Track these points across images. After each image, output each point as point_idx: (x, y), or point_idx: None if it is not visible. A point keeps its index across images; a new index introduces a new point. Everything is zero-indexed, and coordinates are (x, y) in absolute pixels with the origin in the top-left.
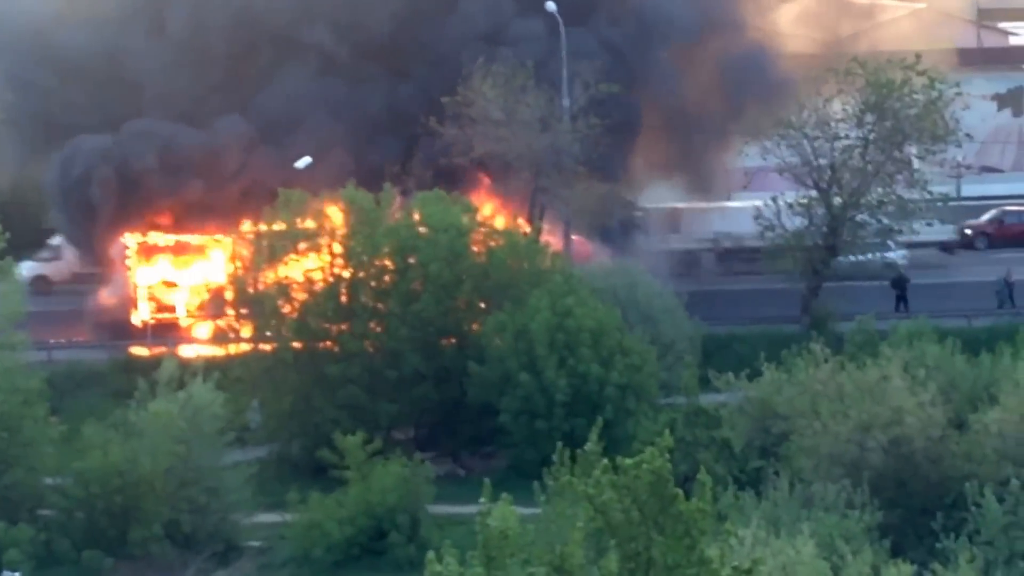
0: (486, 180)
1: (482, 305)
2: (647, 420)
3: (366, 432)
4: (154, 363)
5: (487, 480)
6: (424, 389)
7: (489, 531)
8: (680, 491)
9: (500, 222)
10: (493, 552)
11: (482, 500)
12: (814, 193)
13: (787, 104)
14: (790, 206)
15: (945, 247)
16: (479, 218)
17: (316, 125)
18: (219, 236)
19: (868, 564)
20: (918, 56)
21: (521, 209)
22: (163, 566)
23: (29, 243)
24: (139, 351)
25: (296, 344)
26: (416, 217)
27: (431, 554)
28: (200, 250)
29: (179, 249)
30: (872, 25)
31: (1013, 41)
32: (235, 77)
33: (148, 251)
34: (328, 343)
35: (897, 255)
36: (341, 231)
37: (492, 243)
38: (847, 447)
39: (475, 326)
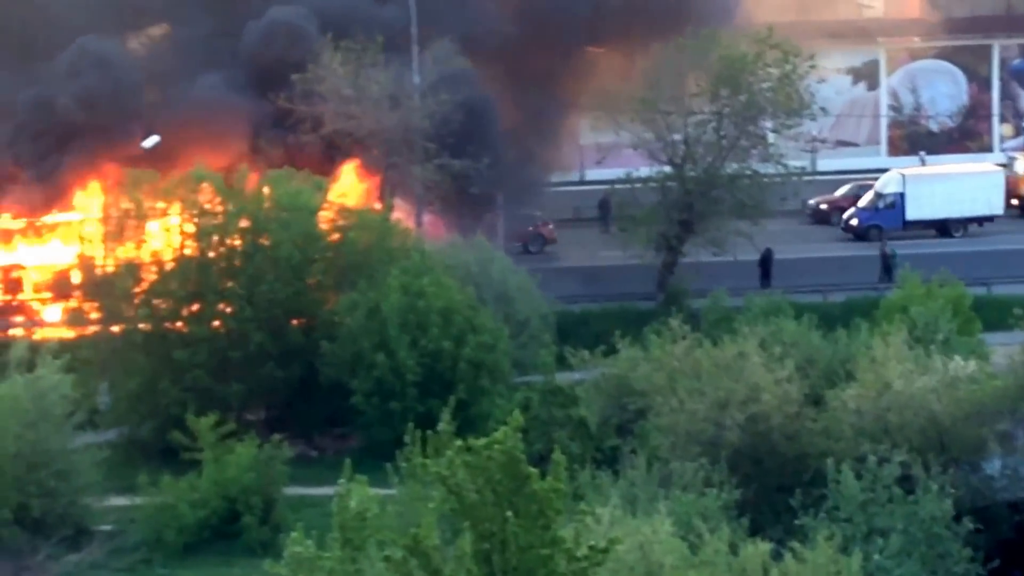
0: (340, 159)
1: (334, 284)
2: (502, 399)
3: (217, 414)
4: (3, 345)
5: (348, 460)
6: (269, 368)
7: (346, 512)
8: (534, 471)
9: (352, 200)
10: (350, 534)
11: (341, 481)
12: (668, 169)
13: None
14: (644, 182)
15: None
16: (331, 197)
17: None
18: (69, 216)
19: (726, 542)
20: (771, 29)
21: (373, 187)
22: (12, 551)
23: None
24: None
25: (145, 326)
26: (267, 197)
27: (293, 535)
28: (50, 231)
29: (28, 230)
30: None
31: (868, 15)
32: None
33: None
34: (177, 324)
35: None
36: (192, 211)
37: (344, 222)
38: (704, 425)
39: (327, 306)
